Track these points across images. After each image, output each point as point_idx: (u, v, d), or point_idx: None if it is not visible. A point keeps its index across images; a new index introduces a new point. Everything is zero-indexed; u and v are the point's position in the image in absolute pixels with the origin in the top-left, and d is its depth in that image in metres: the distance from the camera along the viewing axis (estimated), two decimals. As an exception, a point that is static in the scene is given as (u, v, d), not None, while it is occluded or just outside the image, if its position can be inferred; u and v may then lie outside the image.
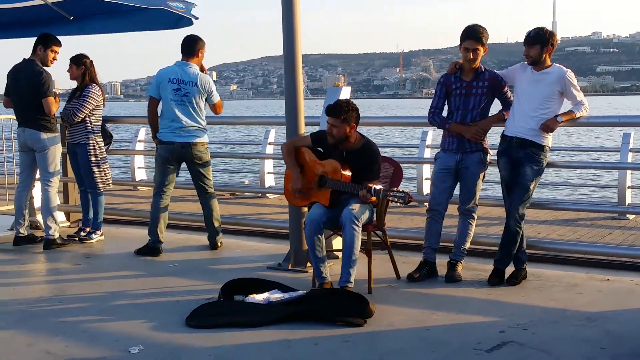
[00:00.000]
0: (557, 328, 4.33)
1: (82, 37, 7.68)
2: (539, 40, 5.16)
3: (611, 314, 4.63)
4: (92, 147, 6.91)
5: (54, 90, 6.78)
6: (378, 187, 4.92)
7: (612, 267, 5.80)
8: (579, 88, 5.26)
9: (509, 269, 5.41)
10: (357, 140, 5.23)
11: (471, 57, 5.31)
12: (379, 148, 5.28)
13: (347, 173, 5.14)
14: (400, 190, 4.91)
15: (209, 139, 6.61)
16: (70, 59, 6.97)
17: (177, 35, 6.45)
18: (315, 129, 6.01)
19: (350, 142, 5.20)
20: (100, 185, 6.97)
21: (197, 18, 6.80)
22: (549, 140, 5.28)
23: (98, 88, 6.96)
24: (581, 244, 6.76)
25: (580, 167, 13.26)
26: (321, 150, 5.37)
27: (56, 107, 6.71)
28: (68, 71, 6.98)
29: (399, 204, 4.94)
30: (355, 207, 5.01)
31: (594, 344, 4.05)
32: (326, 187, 5.18)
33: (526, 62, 5.28)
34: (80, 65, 6.91)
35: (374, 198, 4.98)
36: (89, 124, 6.90)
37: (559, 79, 5.18)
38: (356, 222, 4.95)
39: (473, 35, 5.31)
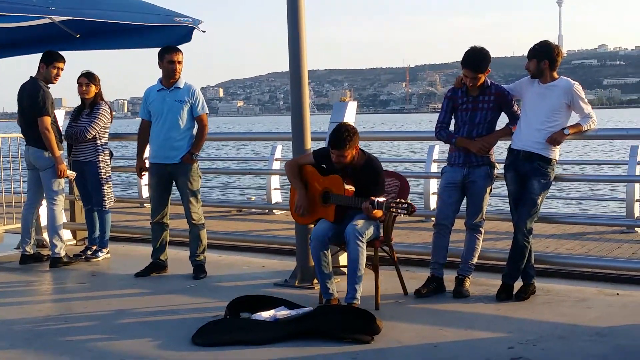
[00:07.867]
0: (567, 343, 4.29)
1: (88, 55, 7.73)
2: (534, 54, 5.20)
3: (621, 328, 4.59)
4: (101, 165, 6.93)
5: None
6: (381, 199, 4.90)
7: (621, 281, 5.75)
8: (586, 101, 5.25)
9: (518, 284, 5.37)
10: (359, 157, 5.21)
11: (470, 84, 5.34)
12: (385, 162, 5.25)
13: (350, 187, 5.11)
14: (403, 201, 4.89)
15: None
16: (84, 75, 6.93)
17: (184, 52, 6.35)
18: (322, 144, 6.01)
19: (354, 160, 5.18)
20: (107, 203, 6.98)
21: (204, 32, 6.78)
22: (556, 153, 5.27)
23: (108, 106, 7.01)
24: (590, 258, 6.70)
25: (587, 180, 13.19)
26: (325, 167, 5.35)
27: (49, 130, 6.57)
28: (83, 87, 6.89)
29: (402, 215, 4.92)
30: (360, 222, 4.98)
31: (605, 359, 4.00)
32: (330, 202, 5.16)
33: (533, 76, 5.30)
34: (97, 85, 6.94)
35: (380, 213, 4.96)
36: (99, 142, 6.93)
37: (566, 92, 5.18)
38: (360, 238, 4.92)
39: (468, 65, 5.31)
